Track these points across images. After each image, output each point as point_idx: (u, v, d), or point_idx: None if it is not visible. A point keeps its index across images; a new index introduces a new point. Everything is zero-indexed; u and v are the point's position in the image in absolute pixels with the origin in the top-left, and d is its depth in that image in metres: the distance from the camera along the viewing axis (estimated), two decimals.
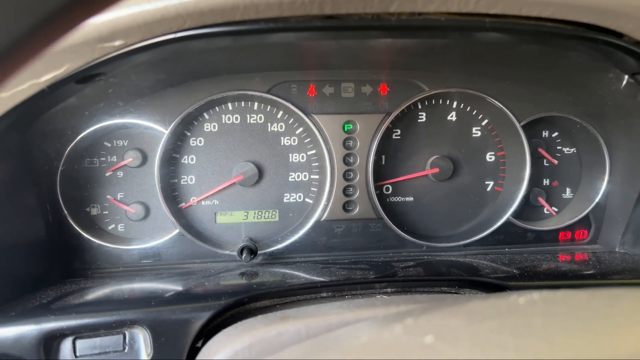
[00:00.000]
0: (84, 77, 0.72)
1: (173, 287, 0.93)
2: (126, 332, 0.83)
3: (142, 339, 0.82)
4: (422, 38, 0.80)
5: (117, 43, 0.65)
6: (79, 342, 0.82)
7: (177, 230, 1.09)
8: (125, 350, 0.82)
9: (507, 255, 1.14)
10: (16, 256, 0.89)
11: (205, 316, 0.82)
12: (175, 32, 0.64)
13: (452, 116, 1.18)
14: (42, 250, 0.98)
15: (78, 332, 0.81)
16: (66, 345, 0.81)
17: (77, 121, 0.97)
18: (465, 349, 0.37)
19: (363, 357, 0.38)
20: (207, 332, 0.84)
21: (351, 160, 1.12)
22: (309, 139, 1.13)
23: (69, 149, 1.01)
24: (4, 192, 0.85)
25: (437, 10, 0.66)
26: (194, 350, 0.81)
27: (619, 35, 0.77)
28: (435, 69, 1.11)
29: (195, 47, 0.71)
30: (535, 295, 0.45)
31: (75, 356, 0.80)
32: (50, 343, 0.79)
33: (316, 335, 0.59)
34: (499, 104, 1.13)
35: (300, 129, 1.13)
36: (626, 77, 0.90)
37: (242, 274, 1.00)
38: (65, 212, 1.04)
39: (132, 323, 0.82)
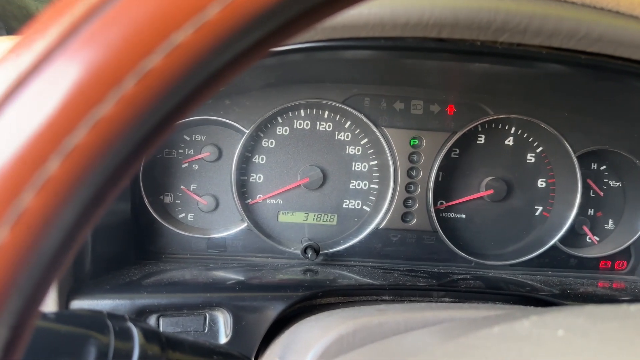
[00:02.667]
0: None
1: (249, 276, 0.99)
2: (207, 314, 0.89)
3: (223, 322, 0.88)
4: (518, 67, 0.87)
5: None
6: (162, 319, 0.87)
7: (245, 224, 1.15)
8: (205, 331, 0.88)
9: (552, 277, 1.19)
10: (108, 236, 0.95)
11: (282, 305, 0.88)
12: (304, 43, 0.71)
13: (510, 141, 1.24)
14: (125, 232, 1.04)
15: (164, 310, 0.86)
16: (151, 321, 0.87)
17: None
18: (598, 343, 0.42)
19: (501, 345, 0.44)
20: (279, 321, 0.89)
21: (414, 174, 1.18)
22: (372, 150, 1.20)
23: None
24: None
25: (541, 44, 0.72)
26: (269, 334, 0.87)
27: None
28: (500, 95, 1.17)
29: (318, 57, 0.78)
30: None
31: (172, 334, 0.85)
32: (139, 317, 0.84)
33: (415, 327, 0.65)
34: (557, 133, 1.19)
35: (365, 140, 1.19)
36: None
37: (307, 271, 1.05)
38: (145, 198, 1.10)
39: (215, 305, 0.87)
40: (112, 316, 0.61)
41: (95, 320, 0.60)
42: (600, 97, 1.10)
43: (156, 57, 0.26)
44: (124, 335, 0.59)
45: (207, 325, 0.88)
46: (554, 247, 1.23)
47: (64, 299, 0.79)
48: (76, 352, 0.55)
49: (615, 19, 0.72)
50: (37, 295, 0.28)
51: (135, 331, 0.61)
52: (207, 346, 0.66)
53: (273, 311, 0.87)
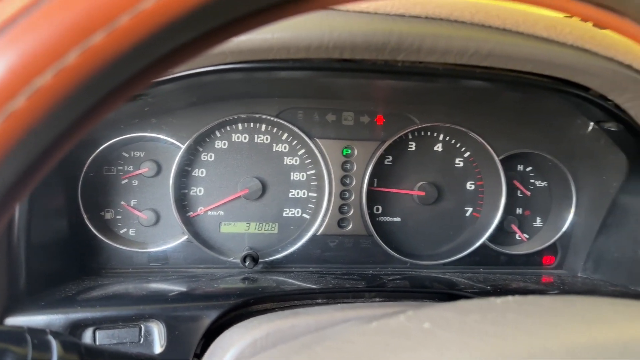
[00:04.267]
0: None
1: (186, 287, 1.02)
2: (142, 325, 0.92)
3: (157, 332, 0.91)
4: (421, 82, 0.93)
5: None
6: (98, 332, 0.90)
7: (185, 237, 1.18)
8: (141, 342, 0.91)
9: (482, 274, 1.26)
10: (44, 253, 0.98)
11: (215, 314, 0.92)
12: (217, 65, 0.76)
13: (439, 147, 1.31)
14: (64, 249, 1.06)
15: (99, 323, 0.89)
16: (87, 335, 0.89)
17: (110, 132, 1.07)
18: (456, 333, 0.48)
19: (374, 337, 0.49)
20: (214, 329, 0.93)
21: (347, 182, 1.23)
22: (309, 160, 1.25)
23: (94, 154, 1.11)
24: (39, 193, 0.94)
25: (437, 61, 0.79)
26: (204, 344, 0.91)
27: (586, 89, 0.91)
28: (426, 105, 1.24)
29: (230, 78, 0.82)
30: (509, 297, 0.57)
31: (95, 344, 0.88)
32: (74, 332, 0.87)
33: (325, 327, 0.70)
34: (480, 139, 1.27)
35: (302, 151, 1.24)
36: (591, 124, 1.04)
37: (245, 279, 1.10)
38: (84, 214, 1.13)
39: (149, 317, 0.91)
40: (32, 330, 0.64)
41: (13, 335, 0.63)
42: (517, 105, 1.18)
43: (20, 99, 0.30)
44: (43, 348, 0.62)
45: (142, 336, 0.92)
46: (483, 245, 1.30)
47: None
48: None
49: (502, 35, 0.78)
50: None
51: (54, 343, 0.64)
52: (128, 355, 0.70)
53: (206, 320, 0.91)
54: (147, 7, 0.29)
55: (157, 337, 0.91)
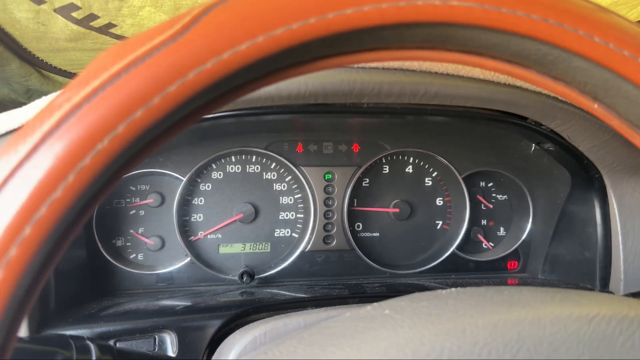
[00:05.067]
0: None
1: (191, 301, 1.17)
2: (156, 336, 1.07)
3: (169, 341, 1.06)
4: (385, 119, 1.11)
5: None
6: (119, 344, 1.05)
7: (188, 259, 1.34)
8: (156, 350, 1.06)
9: (452, 279, 1.43)
10: (69, 278, 1.13)
11: (219, 323, 1.07)
12: (212, 114, 0.92)
13: (409, 169, 1.48)
14: (84, 274, 1.21)
15: (119, 336, 1.04)
16: None
17: None
18: (408, 316, 0.64)
19: (347, 323, 0.65)
20: (218, 337, 1.08)
21: (330, 203, 1.40)
22: (295, 185, 1.41)
23: None
24: None
25: (395, 102, 0.96)
26: (210, 351, 1.06)
27: (524, 118, 1.10)
28: (396, 134, 1.42)
29: (224, 122, 1.00)
30: (452, 289, 0.73)
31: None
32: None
33: (310, 324, 0.85)
34: (445, 161, 1.44)
35: (289, 177, 1.41)
36: (533, 145, 1.23)
37: (243, 293, 1.25)
38: (98, 243, 1.28)
39: (162, 328, 1.05)
40: (74, 337, 0.80)
41: (60, 340, 0.79)
42: (471, 133, 1.36)
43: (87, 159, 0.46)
44: (83, 350, 0.78)
45: (156, 345, 1.06)
46: (453, 254, 1.47)
47: (34, 331, 0.96)
48: None
49: (446, 79, 0.96)
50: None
51: (92, 346, 0.80)
52: (152, 356, 0.85)
53: (211, 329, 1.06)
54: (173, 89, 0.45)
55: (170, 345, 1.06)
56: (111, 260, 1.29)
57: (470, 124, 1.21)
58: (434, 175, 1.50)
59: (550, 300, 0.69)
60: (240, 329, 0.99)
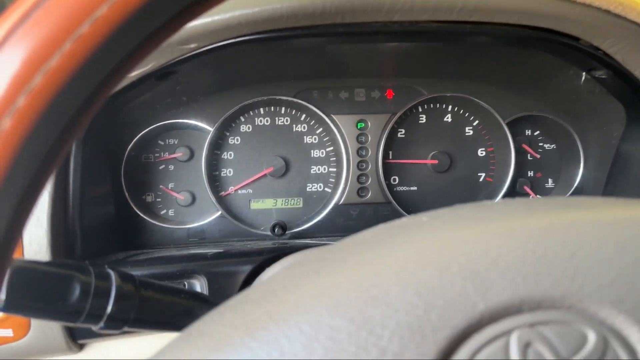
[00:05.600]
0: (162, 74, 0.95)
1: (222, 249, 1.13)
2: (186, 282, 1.03)
3: (199, 287, 1.02)
4: (419, 41, 1.03)
5: (192, 45, 0.88)
6: None
7: (219, 213, 1.30)
8: None
9: None
10: (96, 233, 1.10)
11: (249, 267, 1.02)
12: (235, 38, 0.87)
13: (448, 117, 1.40)
14: (111, 229, 1.19)
15: None
16: None
17: (148, 113, 1.20)
18: (447, 221, 0.56)
19: (383, 231, 0.58)
20: (247, 284, 1.03)
21: (363, 153, 1.33)
22: (327, 138, 1.35)
23: (133, 141, 1.24)
24: (88, 182, 1.06)
25: (429, 19, 0.89)
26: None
27: (576, 39, 1.00)
28: (433, 77, 1.34)
29: (244, 51, 0.94)
30: (499, 200, 0.65)
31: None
32: None
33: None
34: (487, 106, 1.35)
35: (320, 129, 1.35)
36: (584, 73, 1.12)
37: (275, 244, 1.20)
38: (128, 197, 1.25)
39: (191, 272, 1.01)
40: (93, 263, 0.76)
41: (78, 266, 0.75)
42: (518, 68, 1.26)
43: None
44: (103, 277, 0.74)
45: None
46: None
47: None
48: (64, 288, 0.70)
49: None
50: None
51: (112, 274, 0.76)
52: (175, 287, 0.80)
53: (241, 274, 1.02)
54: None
55: (200, 290, 1.02)
56: (141, 215, 1.26)
57: (512, 49, 1.11)
58: (474, 123, 1.40)
59: (610, 204, 0.61)
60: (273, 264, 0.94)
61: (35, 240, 0.91)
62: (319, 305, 0.38)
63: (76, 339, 1.01)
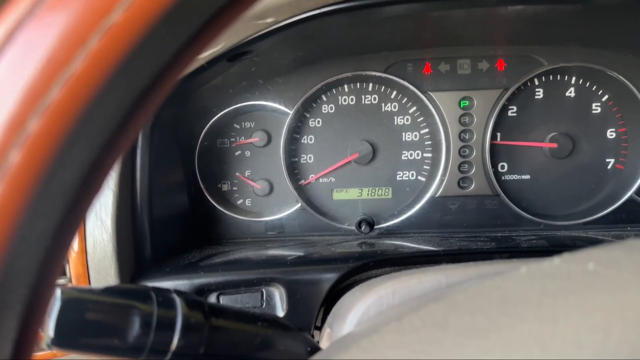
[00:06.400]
0: (234, 55, 0.81)
1: (303, 252, 1.00)
2: (263, 290, 0.91)
3: (278, 296, 0.90)
4: (543, 3, 0.81)
5: (269, 20, 0.72)
6: (222, 297, 0.91)
7: (299, 205, 1.17)
8: (263, 306, 0.90)
9: (631, 232, 1.10)
10: (167, 226, 1.01)
11: (335, 276, 0.88)
12: (320, 8, 0.70)
13: (571, 92, 1.15)
14: (186, 221, 1.10)
15: (222, 288, 0.90)
16: (212, 299, 0.90)
17: (221, 99, 1.08)
18: (629, 272, 0.38)
19: (525, 282, 0.41)
20: (333, 295, 0.90)
21: (467, 137, 1.13)
22: (422, 118, 1.16)
23: (207, 127, 1.13)
24: (159, 170, 0.96)
25: None
26: (326, 307, 0.88)
27: None
28: (554, 43, 1.10)
29: (331, 23, 0.77)
30: None
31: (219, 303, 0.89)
32: (199, 295, 0.88)
33: (459, 283, 0.63)
34: (620, 77, 1.09)
35: (414, 108, 1.16)
36: None
37: (362, 244, 1.05)
38: (203, 187, 1.15)
39: (269, 280, 0.89)
40: (157, 289, 0.64)
41: (139, 292, 0.64)
42: None
43: (116, 14, 0.28)
44: (167, 305, 0.62)
45: (264, 300, 0.91)
46: (630, 200, 1.13)
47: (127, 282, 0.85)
48: (122, 321, 0.59)
49: None
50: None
51: (178, 301, 0.64)
52: (252, 313, 0.68)
53: (326, 283, 0.88)
54: None
55: (279, 302, 0.90)
56: (216, 206, 1.16)
57: None
58: (604, 99, 1.15)
59: None
60: (361, 284, 0.79)
61: (100, 246, 0.82)
62: None
63: None
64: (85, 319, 0.56)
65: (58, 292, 0.55)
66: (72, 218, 0.31)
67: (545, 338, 0.32)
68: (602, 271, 0.40)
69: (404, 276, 0.71)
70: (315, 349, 0.71)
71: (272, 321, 0.69)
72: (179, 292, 0.66)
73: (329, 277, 0.88)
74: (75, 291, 0.57)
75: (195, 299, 0.67)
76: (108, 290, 0.62)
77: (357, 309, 0.70)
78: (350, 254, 0.95)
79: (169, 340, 0.62)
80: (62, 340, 0.55)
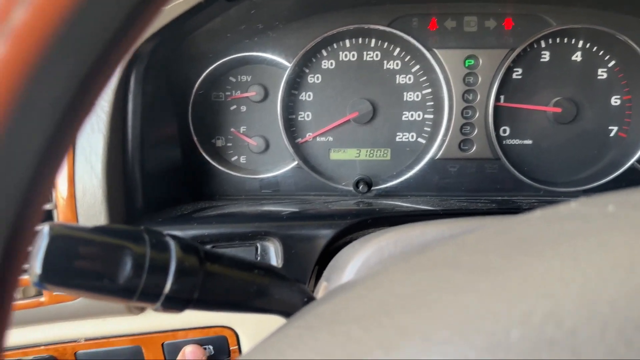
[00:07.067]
0: None
1: (299, 208, 0.97)
2: (258, 244, 0.88)
3: (273, 251, 0.87)
4: None
5: None
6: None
7: (295, 163, 1.13)
8: (258, 260, 0.88)
9: None
10: (159, 180, 0.97)
11: (331, 233, 0.86)
12: None
13: (577, 56, 1.12)
14: (178, 176, 1.06)
15: (215, 241, 0.87)
16: None
17: (218, 45, 1.03)
18: None
19: (540, 224, 0.38)
20: (329, 252, 0.87)
21: (470, 98, 1.10)
22: (425, 77, 1.13)
23: (202, 76, 1.08)
24: (153, 116, 0.92)
25: None
26: (322, 264, 0.85)
27: None
28: (563, 5, 1.06)
29: None
30: None
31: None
32: None
33: (465, 233, 0.60)
34: (631, 42, 1.06)
35: (417, 67, 1.13)
36: None
37: (360, 203, 1.02)
38: (196, 140, 1.11)
39: (265, 235, 0.87)
40: (149, 230, 0.61)
41: (131, 233, 0.60)
42: None
43: None
44: (161, 247, 0.59)
45: (259, 255, 0.88)
46: (631, 168, 1.11)
47: None
48: (112, 261, 0.56)
49: None
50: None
51: (172, 244, 0.61)
52: (248, 261, 0.65)
53: (322, 239, 0.86)
54: None
55: (274, 256, 0.87)
56: (210, 161, 1.12)
57: None
58: (610, 64, 1.12)
59: None
60: (360, 238, 0.77)
61: (90, 192, 0.78)
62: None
63: None
64: (74, 257, 0.53)
65: (46, 228, 0.52)
66: (62, 135, 0.27)
67: (566, 274, 0.29)
68: (622, 212, 0.37)
69: (405, 228, 0.68)
70: (312, 299, 0.69)
71: (268, 270, 0.66)
72: (173, 236, 0.63)
73: (325, 234, 0.86)
74: (65, 228, 0.54)
75: (190, 244, 0.64)
76: (99, 229, 0.58)
77: (357, 259, 0.68)
78: (347, 211, 0.92)
79: (162, 283, 0.59)
80: (49, 276, 0.52)
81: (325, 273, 0.81)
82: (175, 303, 0.61)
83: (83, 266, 0.54)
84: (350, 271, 0.67)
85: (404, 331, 0.27)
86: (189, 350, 0.94)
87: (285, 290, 0.68)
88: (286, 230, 0.87)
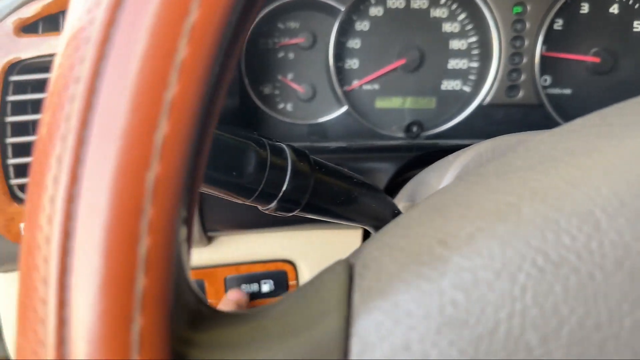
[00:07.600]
0: None
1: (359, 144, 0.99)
2: None
3: None
4: None
5: None
6: None
7: (344, 109, 1.14)
8: None
9: None
10: (223, 120, 0.97)
11: (393, 167, 0.87)
12: None
13: (614, 9, 1.16)
14: (238, 122, 1.06)
15: None
16: None
17: None
18: None
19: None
20: (392, 186, 0.89)
21: (518, 44, 1.13)
22: (471, 26, 1.15)
23: (253, 24, 1.08)
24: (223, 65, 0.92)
25: None
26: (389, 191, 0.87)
27: None
28: None
29: None
30: None
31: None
32: None
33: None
34: None
35: (463, 15, 1.15)
36: None
37: (411, 146, 1.04)
38: (249, 88, 1.11)
39: None
40: (265, 136, 0.63)
41: (251, 136, 0.63)
42: None
43: None
44: (278, 152, 0.61)
45: None
46: None
47: None
48: (240, 158, 0.57)
49: None
50: None
51: (286, 149, 0.63)
52: (347, 172, 0.67)
53: (384, 174, 0.87)
54: None
55: None
56: (261, 106, 1.12)
57: None
58: None
59: None
60: (448, 156, 0.78)
61: None
62: None
63: (206, 231, 0.91)
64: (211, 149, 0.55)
65: None
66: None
67: None
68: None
69: (502, 137, 0.70)
70: (399, 213, 0.71)
71: (364, 182, 0.68)
72: (287, 144, 0.65)
73: (387, 167, 0.88)
74: None
75: (301, 151, 0.66)
76: (227, 129, 0.60)
77: (454, 167, 0.70)
78: (411, 145, 0.93)
79: (280, 182, 0.61)
80: None
81: (401, 196, 0.83)
82: (288, 203, 0.62)
83: (216, 159, 0.56)
84: (450, 178, 0.68)
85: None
86: (230, 293, 0.96)
87: (379, 202, 0.70)
88: (350, 163, 0.88)
